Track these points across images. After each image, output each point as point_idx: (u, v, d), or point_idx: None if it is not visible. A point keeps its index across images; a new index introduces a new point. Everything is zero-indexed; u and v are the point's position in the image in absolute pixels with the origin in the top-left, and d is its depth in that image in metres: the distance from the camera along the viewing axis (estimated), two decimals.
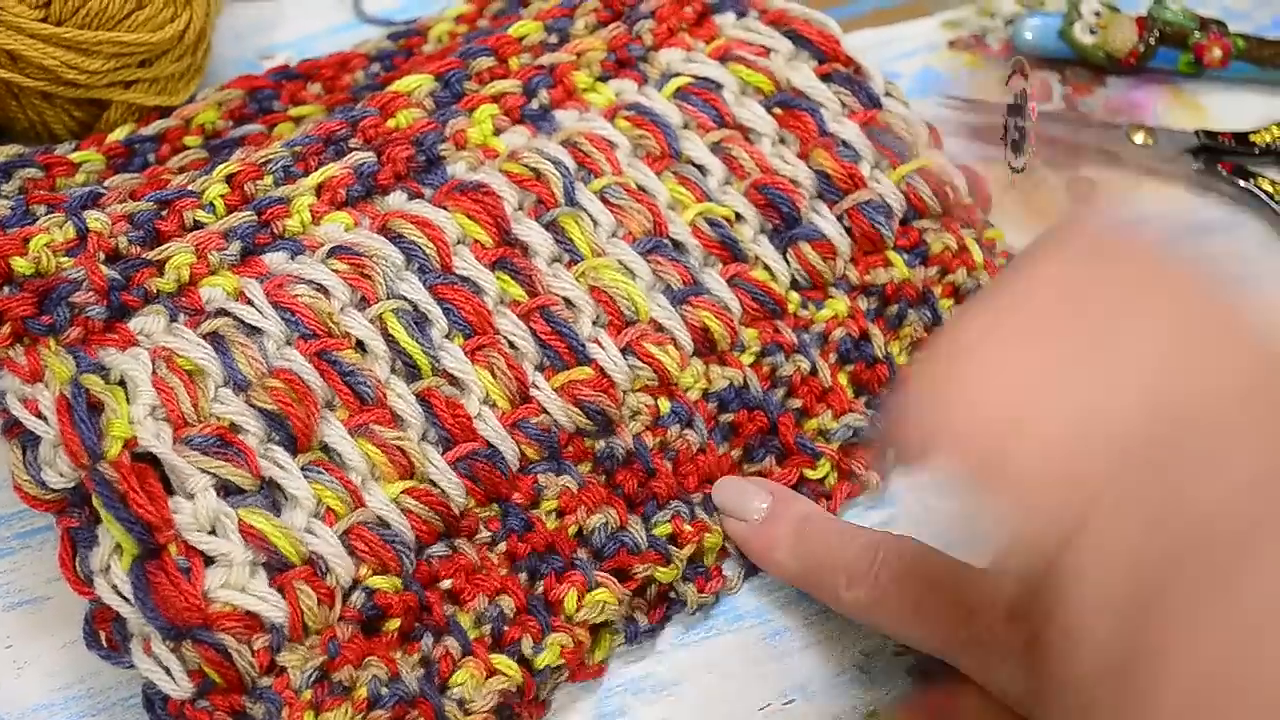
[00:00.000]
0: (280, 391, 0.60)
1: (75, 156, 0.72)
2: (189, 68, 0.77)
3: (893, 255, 0.72)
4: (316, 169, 0.69)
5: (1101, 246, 0.52)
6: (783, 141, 0.73)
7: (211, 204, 0.66)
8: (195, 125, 0.75)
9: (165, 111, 0.76)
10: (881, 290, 0.72)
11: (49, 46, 0.71)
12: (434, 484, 0.62)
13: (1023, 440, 0.47)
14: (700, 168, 0.72)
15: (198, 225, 0.66)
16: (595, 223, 0.69)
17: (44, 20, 0.71)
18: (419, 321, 0.64)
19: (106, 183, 0.69)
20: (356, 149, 0.69)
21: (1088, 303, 0.49)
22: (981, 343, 0.50)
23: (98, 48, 0.72)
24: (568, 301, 0.66)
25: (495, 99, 0.72)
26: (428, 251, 0.65)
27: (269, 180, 0.68)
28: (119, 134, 0.74)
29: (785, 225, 0.71)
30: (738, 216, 0.71)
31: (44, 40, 0.71)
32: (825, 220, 0.71)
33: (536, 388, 0.64)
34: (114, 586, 0.58)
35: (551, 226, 0.68)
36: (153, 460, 0.59)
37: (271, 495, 0.60)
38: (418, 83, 0.72)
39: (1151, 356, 0.47)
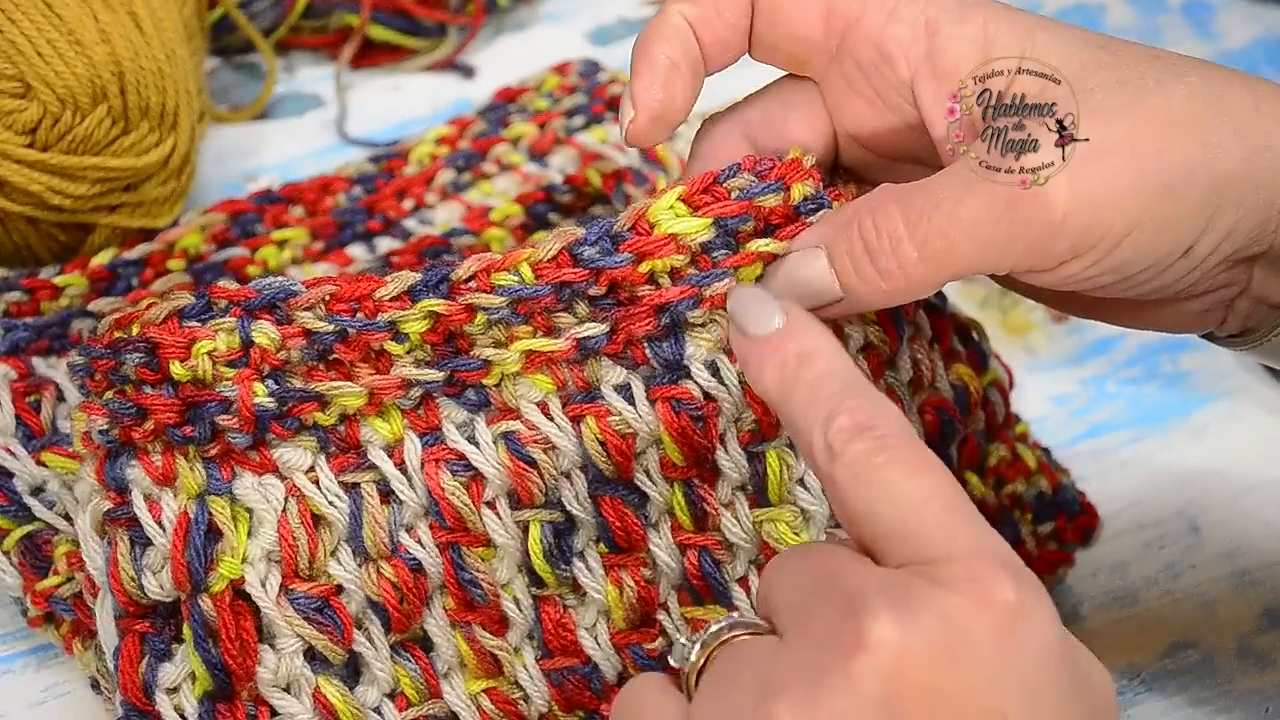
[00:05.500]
0: (389, 584, 0.59)
1: (59, 280, 0.73)
2: (173, 191, 0.77)
3: (968, 474, 0.69)
4: (539, 322, 0.60)
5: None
6: None
7: (405, 335, 0.59)
8: (178, 249, 0.75)
9: (149, 234, 0.77)
10: None
11: (35, 172, 0.72)
12: (519, 686, 0.61)
13: None
14: None
15: (382, 352, 0.60)
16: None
17: (30, 146, 0.72)
18: (564, 531, 0.61)
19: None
20: (593, 303, 0.60)
21: None
22: None
23: (83, 173, 0.72)
24: (729, 544, 0.62)
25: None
26: (605, 463, 0.60)
27: (481, 321, 0.59)
28: (102, 258, 0.74)
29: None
30: None
31: (30, 166, 0.71)
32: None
33: (665, 610, 0.62)
34: (178, 709, 0.58)
35: (757, 458, 0.62)
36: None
37: (354, 663, 0.60)
38: (692, 227, 0.60)
39: None
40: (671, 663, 0.52)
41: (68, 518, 0.64)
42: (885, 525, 0.48)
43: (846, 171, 0.64)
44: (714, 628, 0.50)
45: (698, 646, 0.51)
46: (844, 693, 0.45)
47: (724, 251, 0.59)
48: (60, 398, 0.69)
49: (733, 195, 0.59)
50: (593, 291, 0.59)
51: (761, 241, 0.59)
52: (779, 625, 0.49)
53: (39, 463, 0.66)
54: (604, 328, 0.60)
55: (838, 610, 0.47)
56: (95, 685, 0.64)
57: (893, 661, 0.45)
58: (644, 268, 0.59)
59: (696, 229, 0.59)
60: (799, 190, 0.59)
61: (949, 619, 0.45)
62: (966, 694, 0.45)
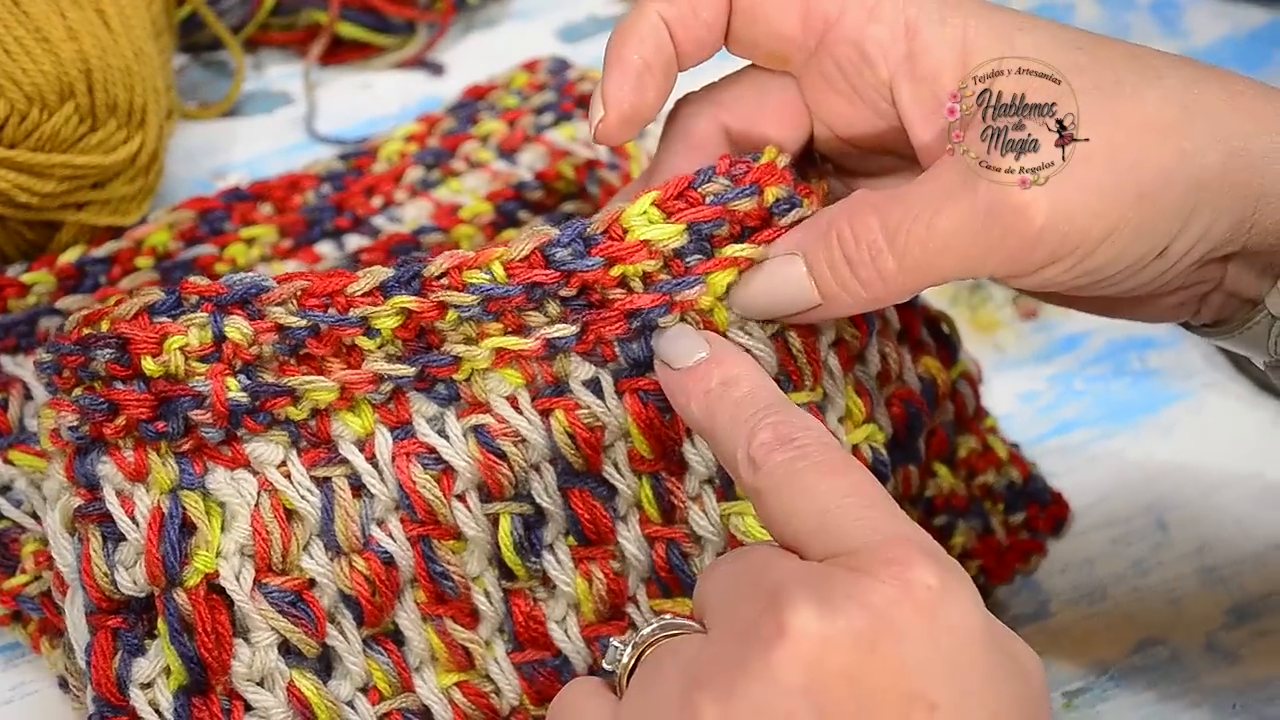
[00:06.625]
0: (361, 578, 0.59)
1: (26, 278, 0.72)
2: (141, 189, 0.77)
3: (938, 465, 0.69)
4: (510, 320, 0.60)
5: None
6: None
7: (377, 330, 0.59)
8: (147, 247, 0.75)
9: (117, 232, 0.76)
10: (929, 502, 0.69)
11: (1, 169, 0.71)
12: (490, 679, 0.61)
13: None
14: None
15: (354, 347, 0.59)
16: None
17: None
18: (534, 524, 0.61)
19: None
20: (564, 303, 0.60)
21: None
22: None
23: (50, 170, 0.72)
24: (697, 537, 0.62)
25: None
26: (574, 455, 0.61)
27: (452, 317, 0.59)
28: (70, 256, 0.74)
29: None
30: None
31: None
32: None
33: (634, 603, 0.62)
34: (153, 703, 0.58)
35: None
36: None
37: (327, 657, 0.60)
38: (665, 233, 0.59)
39: None
40: (605, 666, 0.53)
41: (35, 516, 0.64)
42: (806, 522, 0.50)
43: (822, 158, 0.64)
44: (645, 630, 0.51)
45: (629, 648, 0.51)
46: (765, 681, 0.45)
47: (698, 256, 0.60)
48: (28, 396, 0.69)
49: (707, 200, 0.59)
50: (564, 292, 0.59)
51: (737, 247, 0.59)
52: (707, 624, 0.50)
53: (6, 461, 0.65)
54: (574, 329, 0.60)
55: (760, 603, 0.47)
56: (63, 684, 0.63)
57: (813, 649, 0.45)
58: (615, 272, 0.59)
59: (669, 235, 0.59)
60: (772, 193, 0.59)
61: (870, 605, 0.46)
62: (890, 679, 0.45)
